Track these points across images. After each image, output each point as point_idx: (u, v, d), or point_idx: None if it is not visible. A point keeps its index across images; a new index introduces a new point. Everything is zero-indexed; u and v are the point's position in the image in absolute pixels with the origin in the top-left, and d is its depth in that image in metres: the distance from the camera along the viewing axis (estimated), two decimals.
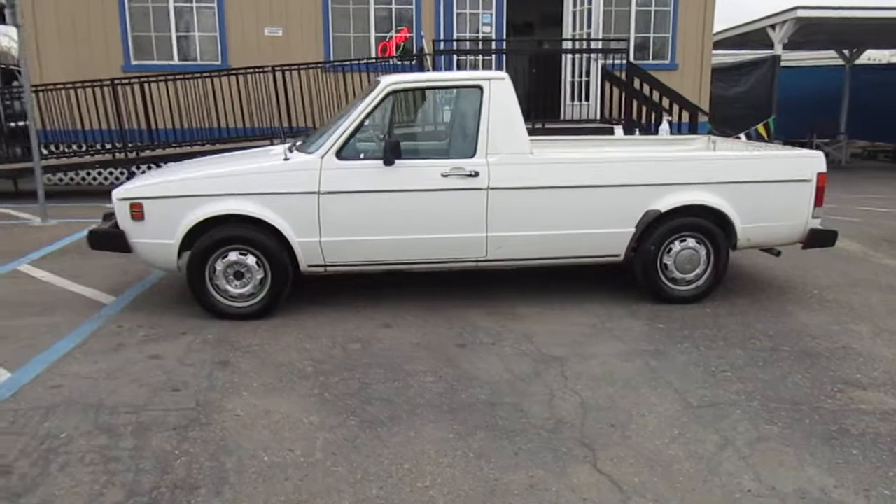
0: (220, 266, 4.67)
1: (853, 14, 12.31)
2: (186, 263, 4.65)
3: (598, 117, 11.23)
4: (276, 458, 2.98)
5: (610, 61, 10.82)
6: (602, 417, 3.32)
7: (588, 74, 11.37)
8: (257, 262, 4.69)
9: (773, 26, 12.84)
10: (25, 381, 3.71)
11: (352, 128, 4.66)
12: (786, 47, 14.39)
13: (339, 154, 4.64)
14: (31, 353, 4.13)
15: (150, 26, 11.26)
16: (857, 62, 16.67)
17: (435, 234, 4.77)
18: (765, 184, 4.95)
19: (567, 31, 11.98)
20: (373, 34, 11.71)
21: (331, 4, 11.46)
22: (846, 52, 16.42)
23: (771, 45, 14.19)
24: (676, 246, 4.97)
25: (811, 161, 5.00)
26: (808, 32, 13.09)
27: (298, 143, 5.25)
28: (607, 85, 11.00)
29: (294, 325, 4.63)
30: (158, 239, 4.63)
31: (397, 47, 11.82)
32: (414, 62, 11.13)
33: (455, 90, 4.99)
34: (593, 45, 10.93)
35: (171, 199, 4.58)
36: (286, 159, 4.67)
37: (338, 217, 4.67)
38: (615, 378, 3.78)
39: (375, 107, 4.70)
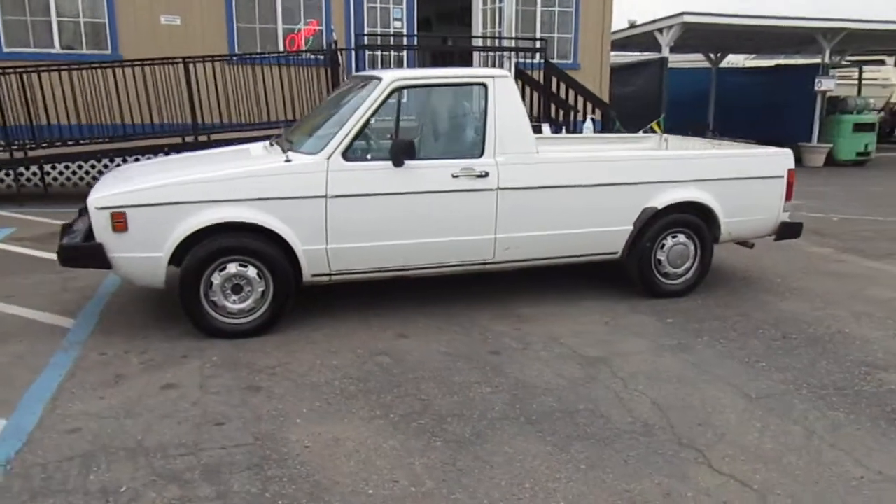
0: (217, 280, 4.22)
1: (731, 21, 13.35)
2: (180, 278, 4.15)
3: None
4: (384, 492, 2.72)
5: (523, 60, 10.99)
6: (684, 417, 3.33)
7: None
8: (258, 274, 4.29)
9: (660, 30, 13.62)
10: (30, 428, 3.15)
11: (358, 127, 4.37)
12: (655, 50, 15.37)
13: (346, 155, 4.34)
14: (11, 392, 3.51)
15: (24, 9, 10.00)
16: (721, 65, 18.11)
17: (444, 238, 4.59)
18: (745, 180, 5.22)
19: (476, 29, 12.05)
20: (280, 26, 11.14)
21: None
22: (712, 55, 17.80)
23: (653, 48, 15.12)
24: (669, 241, 5.12)
25: (783, 159, 5.33)
26: (686, 37, 14.01)
27: (282, 143, 4.86)
28: (519, 83, 11.16)
29: (302, 340, 4.28)
30: (144, 252, 4.11)
31: (306, 41, 11.33)
32: (323, 57, 10.73)
33: (459, 88, 4.81)
34: (511, 43, 11.03)
35: (160, 206, 4.07)
36: (288, 161, 4.29)
37: (346, 222, 4.37)
38: (666, 375, 3.82)
39: (381, 104, 4.43)
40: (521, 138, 4.69)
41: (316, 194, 4.29)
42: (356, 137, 4.37)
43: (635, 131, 12.44)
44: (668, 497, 2.69)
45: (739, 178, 5.20)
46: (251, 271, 4.27)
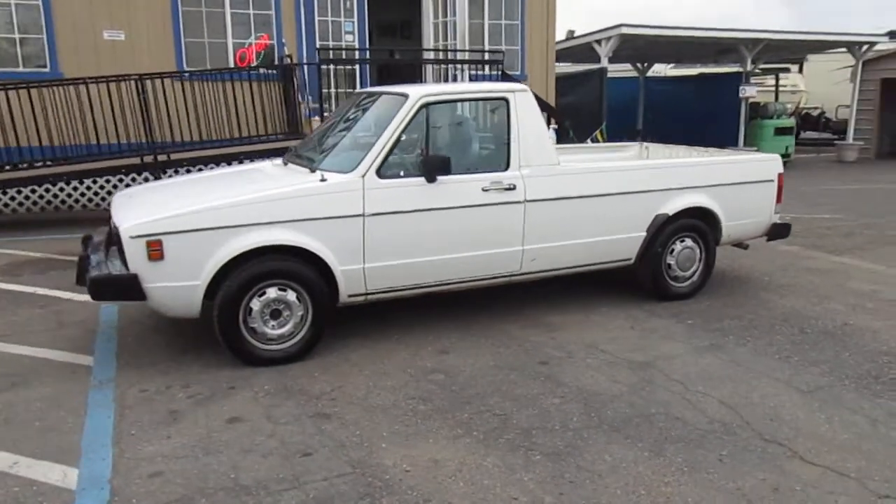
0: (256, 305, 4.08)
1: (665, 32, 13.98)
2: (218, 306, 3.99)
3: None
4: None
5: (475, 72, 11.13)
6: (754, 413, 3.48)
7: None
8: (297, 298, 4.18)
9: (599, 41, 14.11)
10: (108, 475, 2.95)
11: (390, 144, 4.34)
12: (590, 61, 15.94)
13: (380, 172, 4.30)
14: (66, 438, 3.28)
15: None
16: (648, 74, 18.91)
17: (476, 252, 4.62)
18: (743, 185, 5.50)
19: (427, 42, 12.11)
20: (230, 40, 10.86)
21: (181, 6, 10.40)
22: (640, 65, 18.57)
23: (587, 59, 15.64)
24: (678, 246, 5.33)
25: (773, 164, 5.65)
26: (622, 48, 14.57)
27: (299, 161, 4.76)
28: None
29: (344, 363, 4.20)
30: (180, 281, 3.92)
31: (257, 55, 11.09)
32: (275, 71, 10.54)
33: (481, 103, 4.85)
34: (467, 55, 11.15)
35: (198, 232, 3.90)
36: (323, 180, 4.21)
37: (382, 241, 4.32)
38: (716, 375, 3.97)
39: (410, 121, 4.42)
40: (543, 150, 4.78)
41: (353, 213, 4.22)
42: (389, 154, 4.33)
43: (583, 140, 12.84)
44: (778, 492, 2.81)
45: (738, 184, 5.47)
46: (290, 295, 4.15)
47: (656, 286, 5.34)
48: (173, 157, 8.90)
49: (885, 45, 17.30)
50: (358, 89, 11.29)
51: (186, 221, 3.89)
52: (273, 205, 4.06)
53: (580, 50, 15.07)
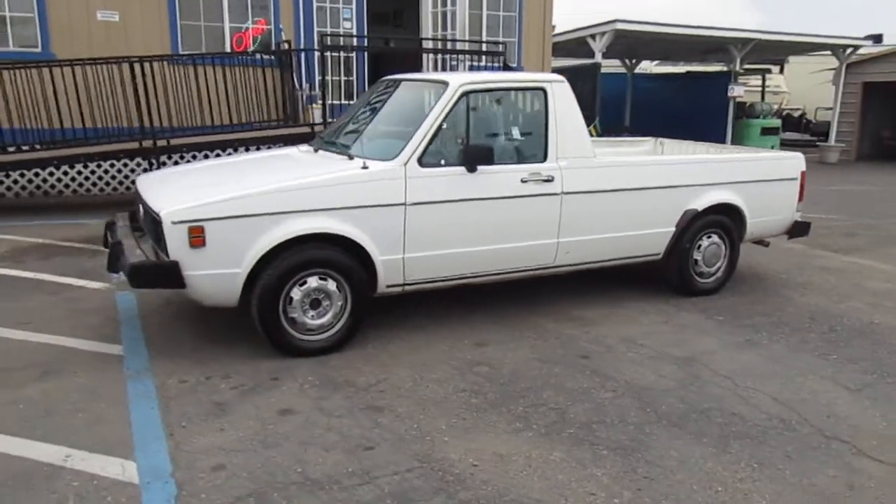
0: (297, 295, 3.97)
1: (659, 29, 14.05)
2: (259, 295, 3.88)
3: None
4: None
5: (476, 63, 11.06)
6: (809, 410, 3.49)
7: None
8: (337, 287, 4.08)
9: (593, 36, 14.12)
10: (169, 469, 2.84)
11: (431, 132, 4.26)
12: (579, 56, 15.98)
13: (421, 161, 4.22)
14: (114, 430, 3.16)
15: None
16: (635, 71, 19.01)
17: (513, 244, 4.57)
18: (767, 182, 5.53)
19: (426, 32, 11.99)
20: (227, 24, 10.61)
21: None
22: (628, 61, 18.65)
23: (576, 54, 15.65)
24: (704, 242, 5.33)
25: (797, 162, 5.68)
26: (614, 44, 14.59)
27: (331, 148, 4.65)
28: None
29: (383, 355, 4.12)
30: (222, 269, 3.80)
31: (254, 40, 10.86)
32: (273, 57, 10.35)
33: (519, 93, 4.78)
34: (467, 46, 11.06)
35: (242, 219, 3.78)
36: (365, 167, 4.11)
37: (422, 230, 4.24)
38: (759, 371, 3.98)
39: (451, 109, 4.34)
40: (580, 142, 4.74)
41: (395, 202, 4.14)
42: (430, 143, 4.25)
43: None
44: (853, 489, 2.81)
45: (763, 181, 5.49)
46: (331, 284, 4.05)
47: (682, 281, 5.34)
48: (173, 142, 8.66)
49: (868, 49, 17.62)
50: (353, 76, 11.16)
51: (230, 207, 3.77)
52: (317, 192, 3.95)
53: (572, 44, 15.07)
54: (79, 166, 8.73)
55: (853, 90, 18.28)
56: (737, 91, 15.77)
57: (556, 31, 15.50)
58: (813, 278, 6.10)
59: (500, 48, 10.66)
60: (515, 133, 4.75)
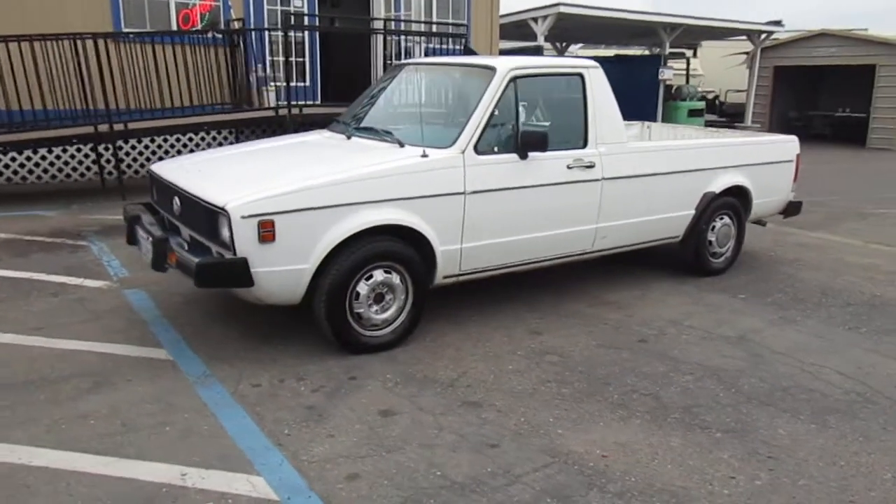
0: (363, 290, 3.81)
1: (600, 13, 14.33)
2: (327, 291, 3.69)
3: None
4: (737, 489, 2.72)
5: (437, 46, 10.92)
6: (877, 382, 3.69)
7: (410, 57, 11.29)
8: (401, 280, 3.95)
9: (535, 19, 14.24)
10: (302, 483, 2.67)
11: (486, 118, 4.17)
12: (518, 39, 16.12)
13: (477, 148, 4.13)
14: (214, 443, 2.93)
15: None
16: (565, 55, 19.35)
17: (558, 230, 4.56)
18: (770, 165, 5.77)
19: (378, 12, 11.69)
20: (172, 0, 9.95)
21: None
22: (558, 44, 18.95)
23: (511, 37, 15.75)
24: (718, 223, 5.52)
25: (793, 145, 5.96)
26: (556, 27, 14.78)
27: (366, 134, 4.47)
28: None
29: (448, 348, 4.03)
30: (290, 265, 3.59)
31: (202, 17, 10.26)
32: (221, 36, 9.84)
33: (559, 78, 4.73)
34: (423, 28, 10.88)
35: (312, 211, 3.57)
36: (424, 156, 3.97)
37: (479, 219, 4.16)
38: (813, 347, 4.16)
39: (501, 95, 4.26)
40: (615, 128, 4.77)
41: (455, 191, 4.03)
42: (485, 129, 4.16)
43: None
44: None
45: (767, 163, 5.73)
46: (395, 278, 3.91)
47: (698, 262, 5.51)
48: (131, 126, 8.07)
49: (780, 35, 18.68)
50: (305, 57, 10.80)
51: (301, 199, 3.55)
52: (384, 181, 3.79)
53: (512, 27, 15.13)
54: (28, 152, 7.98)
55: (765, 74, 19.37)
56: (667, 74, 16.35)
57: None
58: (799, 255, 6.44)
59: (462, 30, 10.55)
60: (557, 119, 4.71)
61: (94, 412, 3.15)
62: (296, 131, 9.70)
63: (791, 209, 6.14)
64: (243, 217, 3.42)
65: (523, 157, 4.26)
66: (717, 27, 16.84)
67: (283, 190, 3.54)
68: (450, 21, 12.39)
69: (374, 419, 3.17)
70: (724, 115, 22.69)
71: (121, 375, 3.54)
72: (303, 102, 9.40)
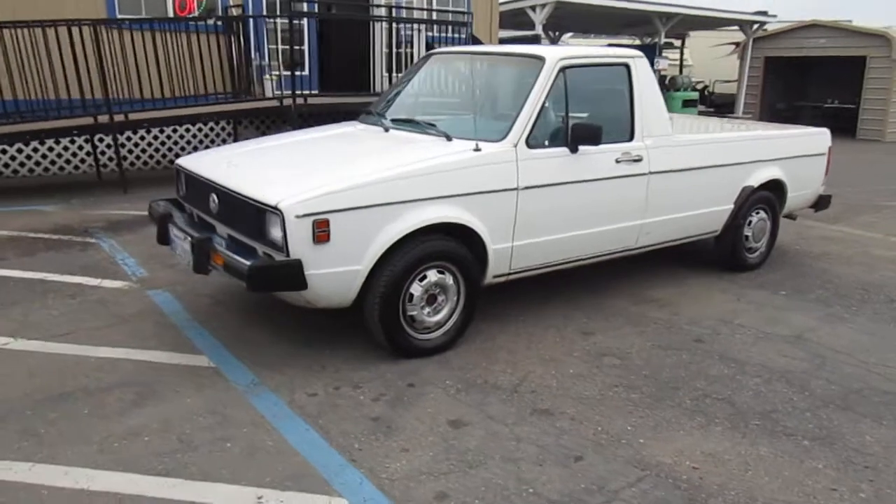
0: (417, 291, 3.62)
1: (598, 2, 14.17)
2: (381, 293, 3.49)
3: None
4: (843, 503, 2.60)
5: (440, 34, 10.68)
6: None
7: (411, 46, 11.04)
8: (454, 281, 3.77)
9: (533, 7, 14.04)
10: (387, 502, 2.49)
11: (536, 110, 3.99)
12: (516, 27, 15.92)
13: (528, 142, 3.95)
14: (282, 460, 2.74)
15: None
16: (558, 44, 19.18)
17: (605, 227, 4.40)
18: (804, 158, 5.66)
19: None
20: None
21: None
22: (551, 34, 18.78)
23: (506, 26, 15.54)
24: (754, 218, 5.40)
25: (826, 138, 5.86)
26: (554, 16, 14.61)
27: (407, 127, 4.27)
28: None
29: (492, 349, 3.87)
30: (344, 266, 3.39)
31: (199, 3, 9.91)
32: (221, 23, 9.54)
33: (605, 68, 4.55)
34: (425, 15, 10.63)
35: (367, 209, 3.37)
36: (477, 150, 3.78)
37: (530, 216, 3.99)
38: (871, 346, 4.06)
39: (552, 86, 4.08)
40: (661, 120, 4.62)
41: (508, 187, 3.85)
42: (536, 122, 3.98)
43: None
44: None
45: (801, 157, 5.62)
46: (449, 278, 3.73)
47: (734, 258, 5.39)
48: (132, 117, 7.75)
49: (772, 26, 18.69)
50: (305, 45, 10.52)
51: (356, 197, 3.34)
52: (440, 177, 3.60)
53: (508, 15, 14.92)
54: (19, 144, 7.64)
55: (756, 64, 19.38)
56: (662, 64, 16.28)
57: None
58: (825, 249, 6.36)
59: (467, 18, 10.33)
60: (604, 111, 4.54)
61: (146, 427, 2.94)
62: (302, 122, 9.46)
63: (822, 203, 6.05)
64: (298, 216, 3.20)
65: (574, 150, 4.09)
66: (713, 17, 16.79)
67: (338, 187, 3.33)
68: (450, 9, 12.15)
69: (445, 430, 2.99)
70: (713, 105, 22.71)
71: (165, 385, 3.32)
72: (307, 92, 9.14)
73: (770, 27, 18.90)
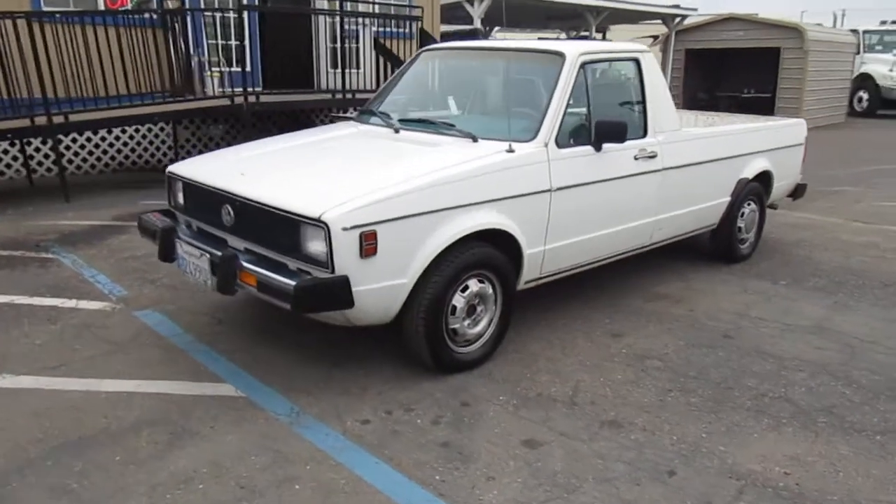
0: (459, 303, 3.41)
1: None
2: (426, 307, 3.26)
3: (374, 87, 10.72)
4: None
5: (386, 29, 10.41)
6: None
7: (357, 41, 10.68)
8: (492, 289, 3.58)
9: (471, 1, 13.91)
10: None
11: (563, 108, 3.85)
12: (452, 22, 15.77)
13: (557, 141, 3.80)
14: (365, 501, 2.48)
15: None
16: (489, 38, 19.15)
17: (625, 225, 4.32)
18: (787, 148, 5.77)
19: None
20: None
21: None
22: (486, 28, 18.70)
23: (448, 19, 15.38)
24: (746, 209, 5.46)
25: (802, 128, 6.00)
26: (491, 9, 14.51)
27: (420, 127, 4.05)
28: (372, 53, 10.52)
29: (527, 358, 3.72)
30: (389, 280, 3.14)
31: None
32: (156, 17, 8.95)
33: (618, 63, 4.44)
34: (373, 9, 10.31)
35: (414, 218, 3.13)
36: (510, 150, 3.60)
37: (561, 217, 3.84)
38: (892, 333, 4.14)
39: (575, 82, 3.95)
40: (670, 115, 4.58)
41: (542, 188, 3.69)
42: (563, 120, 3.84)
43: None
44: None
45: (785, 147, 5.73)
46: (488, 287, 3.54)
47: (730, 249, 5.44)
48: (72, 118, 7.11)
49: (692, 19, 19.31)
50: (245, 40, 10.05)
51: (403, 205, 3.09)
52: (480, 181, 3.40)
53: (444, 10, 14.72)
54: None
55: (678, 56, 19.97)
56: None
57: None
58: (799, 236, 6.53)
59: (418, 12, 10.08)
60: (618, 107, 4.44)
61: (196, 473, 2.61)
62: (254, 122, 8.99)
63: (799, 191, 6.20)
64: (345, 229, 2.93)
65: (598, 149, 3.97)
66: (639, 10, 17.17)
67: (383, 195, 3.07)
68: (392, 2, 11.84)
69: (523, 452, 2.81)
70: None
71: (197, 421, 2.98)
72: (253, 90, 8.68)
73: (690, 20, 19.52)
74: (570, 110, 3.91)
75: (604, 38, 24.14)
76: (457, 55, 4.70)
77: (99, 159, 8.99)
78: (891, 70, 19.92)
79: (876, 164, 11.24)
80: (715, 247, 5.47)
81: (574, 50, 4.02)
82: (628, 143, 4.20)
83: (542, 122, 3.76)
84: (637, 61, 4.41)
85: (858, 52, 20.34)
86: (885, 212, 7.65)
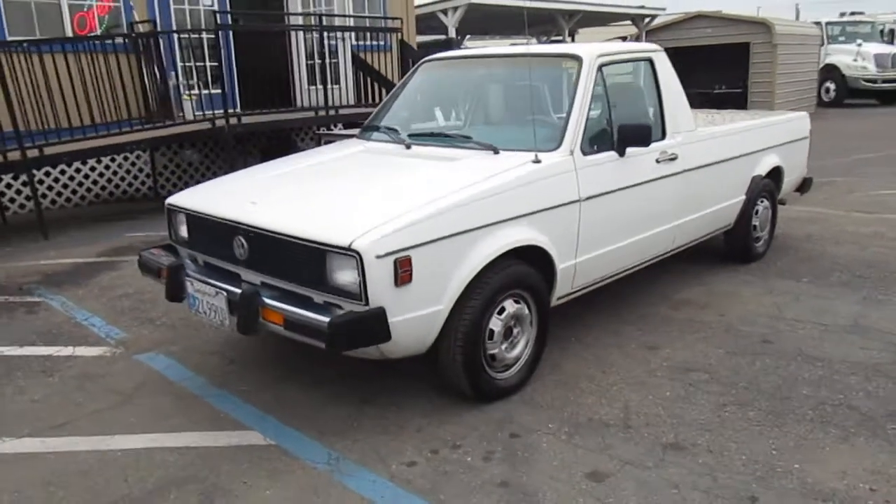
0: (497, 326, 3.19)
1: (509, 3, 14.09)
2: (464, 333, 3.04)
3: (354, 102, 10.48)
4: None
5: (364, 42, 10.19)
6: None
7: (336, 56, 10.45)
8: (528, 309, 3.37)
9: (445, 11, 13.78)
10: None
11: (585, 114, 3.67)
12: (427, 32, 15.63)
13: (582, 148, 3.62)
14: None
15: None
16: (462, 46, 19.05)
17: (650, 231, 4.15)
18: (794, 143, 5.66)
19: (295, 7, 10.75)
20: (65, 2, 8.55)
21: None
22: (457, 36, 18.59)
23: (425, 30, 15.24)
24: (760, 207, 5.33)
25: (806, 121, 5.90)
26: (466, 18, 14.40)
27: (434, 141, 3.84)
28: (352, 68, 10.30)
29: (563, 378, 3.51)
30: (425, 308, 2.91)
31: (100, 20, 8.90)
32: (127, 41, 8.63)
33: (632, 64, 4.27)
34: (357, 22, 10.10)
35: (447, 240, 2.92)
36: (537, 161, 3.40)
37: (591, 228, 3.65)
38: None
39: (594, 86, 3.77)
40: (686, 115, 4.43)
41: (571, 199, 3.50)
42: (586, 126, 3.66)
43: None
44: None
45: (792, 142, 5.62)
46: (524, 307, 3.33)
47: (746, 249, 5.30)
48: (47, 151, 6.77)
49: (661, 19, 19.43)
50: (220, 61, 9.80)
51: (437, 226, 2.88)
52: (510, 196, 3.19)
53: (422, 20, 14.58)
54: None
55: None
56: None
57: None
58: (806, 230, 6.42)
59: (397, 23, 9.89)
60: (636, 108, 4.27)
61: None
62: (237, 146, 8.70)
63: (806, 185, 6.10)
64: (378, 256, 2.69)
65: (622, 154, 3.79)
66: (609, 12, 17.20)
67: (415, 217, 2.84)
68: (366, 14, 11.64)
69: (590, 487, 2.59)
70: None
71: (227, 477, 2.72)
72: (231, 111, 8.39)
73: (659, 20, 19.62)
74: (591, 115, 3.73)
75: (573, 41, 24.22)
76: (460, 64, 4.50)
77: (74, 192, 8.63)
78: (855, 60, 20.19)
79: (857, 153, 11.27)
80: (730, 247, 5.32)
81: (590, 52, 3.84)
82: (651, 146, 4.04)
83: (566, 129, 3.57)
84: (650, 61, 4.26)
85: (823, 44, 20.59)
86: (881, 200, 7.60)
